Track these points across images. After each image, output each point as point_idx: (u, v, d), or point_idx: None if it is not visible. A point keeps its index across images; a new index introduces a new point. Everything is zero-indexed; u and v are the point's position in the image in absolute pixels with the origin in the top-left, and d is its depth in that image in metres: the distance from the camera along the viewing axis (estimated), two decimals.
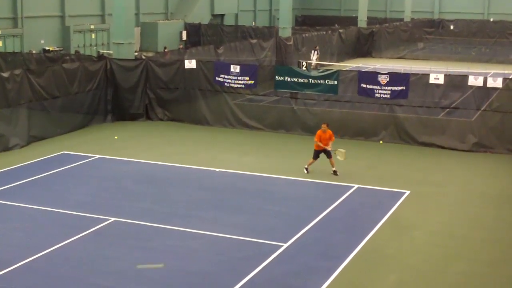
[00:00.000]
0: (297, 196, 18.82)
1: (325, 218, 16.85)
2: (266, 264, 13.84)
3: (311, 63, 43.78)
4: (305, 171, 20.82)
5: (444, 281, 13.44)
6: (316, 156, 20.68)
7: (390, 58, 54.79)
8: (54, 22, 44.46)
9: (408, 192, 19.14)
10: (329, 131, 20.49)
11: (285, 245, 14.89)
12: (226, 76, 27.17)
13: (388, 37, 58.20)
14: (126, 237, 15.34)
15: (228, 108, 27.52)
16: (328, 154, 20.58)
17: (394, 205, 17.97)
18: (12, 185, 19.04)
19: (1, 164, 21.21)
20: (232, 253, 14.54)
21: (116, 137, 25.00)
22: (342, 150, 20.79)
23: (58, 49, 42.51)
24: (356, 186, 19.60)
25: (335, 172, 20.59)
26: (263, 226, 16.25)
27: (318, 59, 44.99)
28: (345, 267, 13.85)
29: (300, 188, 19.66)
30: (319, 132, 20.54)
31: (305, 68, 28.44)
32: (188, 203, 17.89)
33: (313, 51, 45.23)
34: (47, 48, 42.09)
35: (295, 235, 15.51)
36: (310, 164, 20.85)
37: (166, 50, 41.25)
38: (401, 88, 24.58)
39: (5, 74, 23.29)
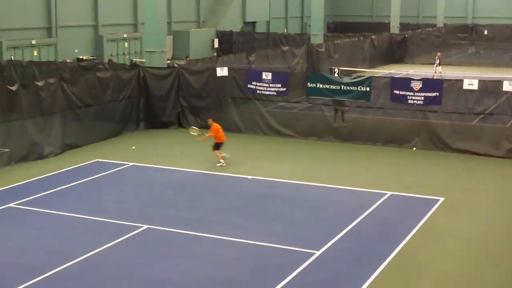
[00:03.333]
0: (329, 204, 18.72)
1: (358, 225, 16.74)
2: (298, 272, 13.77)
3: (436, 72, 42.37)
4: (220, 164, 22.34)
5: None
6: (216, 147, 22.60)
7: (423, 64, 54.31)
8: (87, 31, 44.91)
9: (442, 199, 18.93)
10: (214, 126, 22.51)
11: (318, 253, 14.81)
12: (257, 84, 27.16)
13: (421, 43, 57.75)
14: (158, 244, 15.39)
15: (259, 115, 27.51)
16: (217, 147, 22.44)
17: (428, 212, 17.78)
18: (47, 192, 19.25)
19: (36, 172, 21.47)
20: (264, 260, 14.51)
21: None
22: (196, 129, 23.50)
23: (91, 58, 42.91)
24: (389, 193, 19.43)
25: (221, 164, 22.35)
26: (296, 233, 16.19)
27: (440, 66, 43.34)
28: (378, 275, 13.72)
29: (333, 196, 19.56)
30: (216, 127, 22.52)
31: (337, 75, 28.27)
32: (220, 211, 17.91)
33: (437, 58, 43.61)
34: (80, 57, 42.51)
35: (327, 242, 15.42)
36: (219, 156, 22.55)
37: (188, 59, 41.40)
38: (434, 94, 24.34)
39: (40, 83, 23.59)
